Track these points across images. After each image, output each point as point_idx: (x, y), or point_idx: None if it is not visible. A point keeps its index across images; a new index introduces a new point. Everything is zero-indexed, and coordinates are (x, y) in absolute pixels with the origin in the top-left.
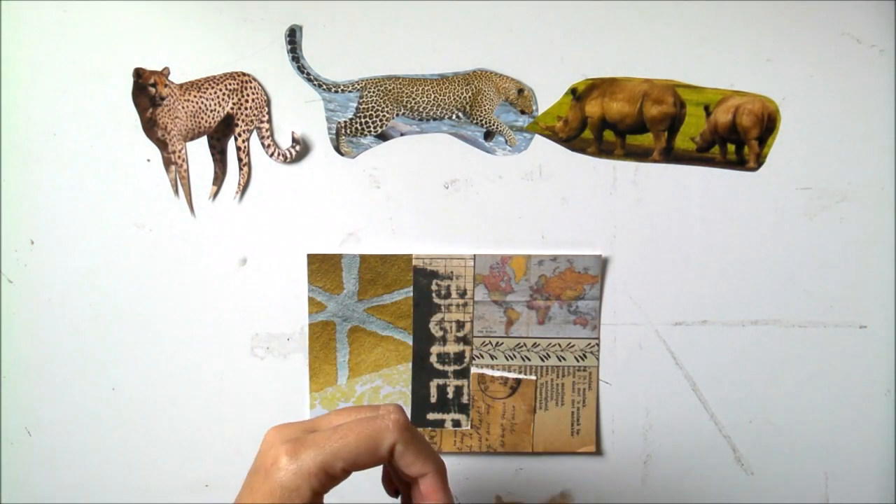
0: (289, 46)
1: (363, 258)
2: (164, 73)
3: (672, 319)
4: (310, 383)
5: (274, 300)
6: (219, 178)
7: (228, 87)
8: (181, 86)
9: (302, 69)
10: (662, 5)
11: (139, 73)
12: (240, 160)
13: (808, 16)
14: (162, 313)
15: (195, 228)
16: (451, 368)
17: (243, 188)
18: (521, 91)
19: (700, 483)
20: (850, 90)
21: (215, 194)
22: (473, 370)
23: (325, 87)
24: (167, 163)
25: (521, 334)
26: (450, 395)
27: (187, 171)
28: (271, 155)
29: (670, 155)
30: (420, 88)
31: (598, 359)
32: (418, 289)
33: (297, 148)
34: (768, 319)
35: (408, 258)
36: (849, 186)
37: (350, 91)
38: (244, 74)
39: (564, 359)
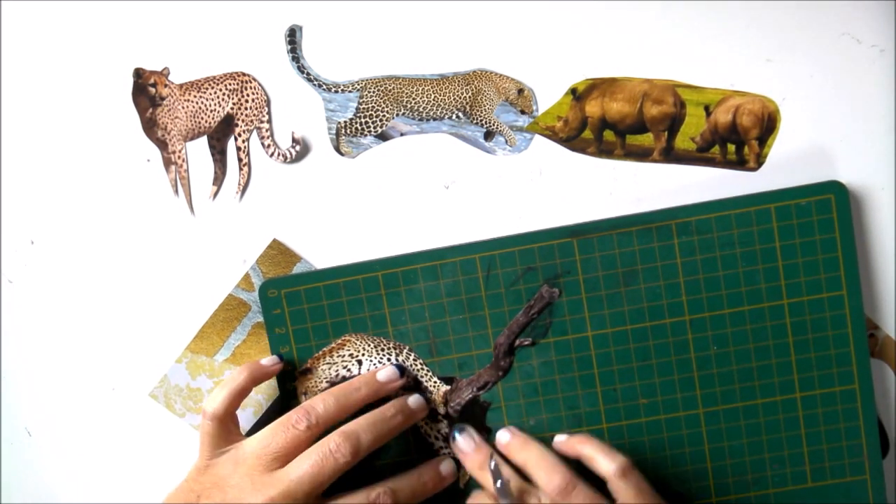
0: (289, 46)
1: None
2: (164, 73)
3: None
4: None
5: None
6: (219, 178)
7: (228, 87)
8: (181, 86)
9: (302, 69)
10: (662, 5)
11: (139, 73)
12: (240, 160)
13: (808, 16)
14: (162, 313)
15: (195, 228)
16: None
17: (243, 188)
18: (521, 91)
19: None
20: (850, 90)
21: (215, 194)
22: None
23: (325, 87)
24: (167, 163)
25: None
26: None
27: (187, 171)
28: (271, 155)
29: (670, 155)
30: (420, 88)
31: None
32: None
33: (297, 148)
34: None
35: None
36: (849, 186)
37: (350, 91)
38: (244, 74)
39: None
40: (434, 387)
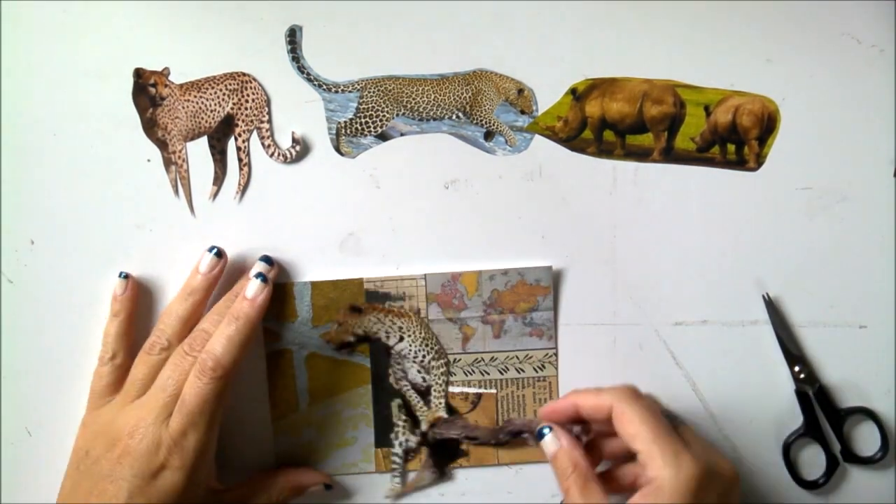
0: (289, 46)
1: (314, 285)
2: (165, 73)
3: (672, 319)
4: (271, 411)
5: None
6: (219, 179)
7: (228, 87)
8: (181, 86)
9: (302, 69)
10: (662, 5)
11: (139, 73)
12: (240, 160)
13: (808, 16)
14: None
15: (195, 228)
16: None
17: (243, 188)
18: (521, 91)
19: None
20: (850, 90)
21: (215, 194)
22: None
23: (325, 87)
24: (167, 163)
25: (478, 349)
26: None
27: (187, 171)
28: (271, 155)
29: (670, 155)
30: (420, 88)
31: (556, 368)
32: None
33: (297, 148)
34: (768, 319)
35: (359, 282)
36: (849, 186)
37: (350, 91)
38: (244, 74)
39: (523, 370)
40: (437, 406)
